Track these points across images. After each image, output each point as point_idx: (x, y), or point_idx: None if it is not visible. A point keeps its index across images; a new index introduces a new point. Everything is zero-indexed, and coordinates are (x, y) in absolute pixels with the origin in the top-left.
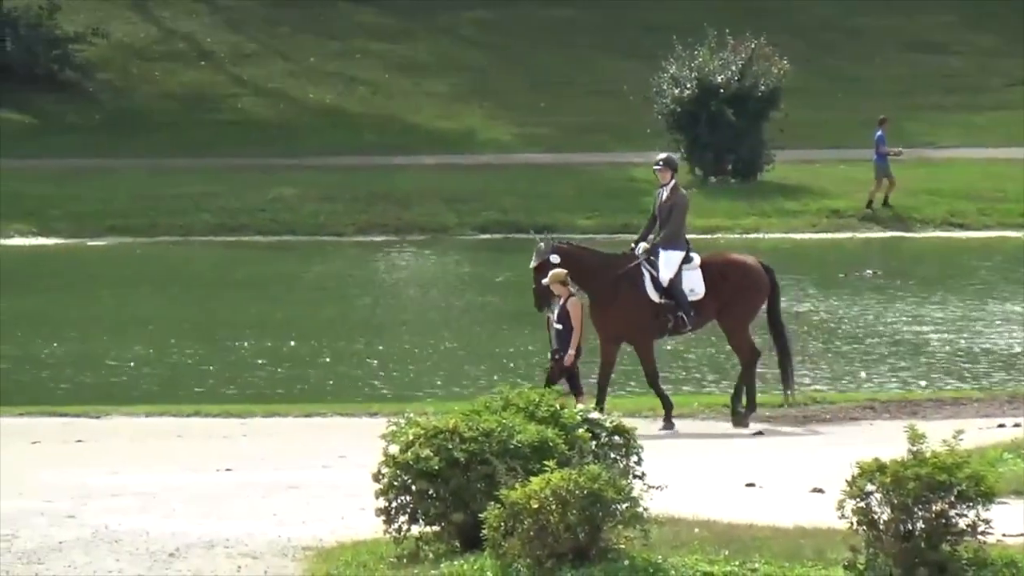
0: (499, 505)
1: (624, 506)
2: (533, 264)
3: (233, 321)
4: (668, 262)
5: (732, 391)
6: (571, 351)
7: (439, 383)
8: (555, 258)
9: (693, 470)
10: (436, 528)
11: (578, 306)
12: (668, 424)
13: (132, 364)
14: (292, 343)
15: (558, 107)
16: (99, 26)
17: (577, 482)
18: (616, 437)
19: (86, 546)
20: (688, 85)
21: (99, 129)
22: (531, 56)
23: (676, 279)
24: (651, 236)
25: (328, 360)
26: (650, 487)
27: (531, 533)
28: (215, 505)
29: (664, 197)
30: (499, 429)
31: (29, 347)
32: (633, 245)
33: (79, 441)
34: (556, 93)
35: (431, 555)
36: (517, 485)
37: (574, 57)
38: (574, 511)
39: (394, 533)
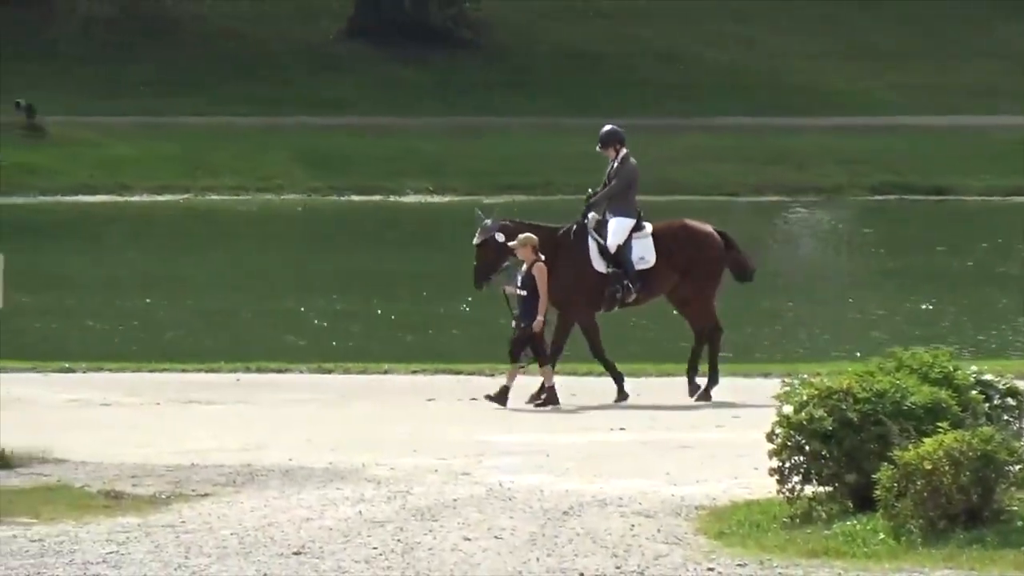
0: (892, 466)
1: (1017, 468)
2: (476, 241)
3: None
4: (616, 229)
5: (710, 364)
6: (539, 317)
7: (841, 344)
8: (500, 236)
9: None
10: (829, 488)
11: (544, 271)
12: (537, 399)
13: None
14: None
15: (953, 69)
16: None
17: (970, 443)
18: (1009, 399)
19: (480, 503)
20: None
21: (494, 87)
22: (926, 19)
23: (624, 247)
24: (598, 206)
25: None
26: None
27: (924, 494)
28: (608, 464)
29: (614, 168)
30: (892, 390)
31: (423, 305)
32: (583, 216)
33: (473, 399)
34: (951, 55)
35: (824, 515)
36: (910, 446)
37: (969, 20)
38: (967, 473)
39: (787, 493)
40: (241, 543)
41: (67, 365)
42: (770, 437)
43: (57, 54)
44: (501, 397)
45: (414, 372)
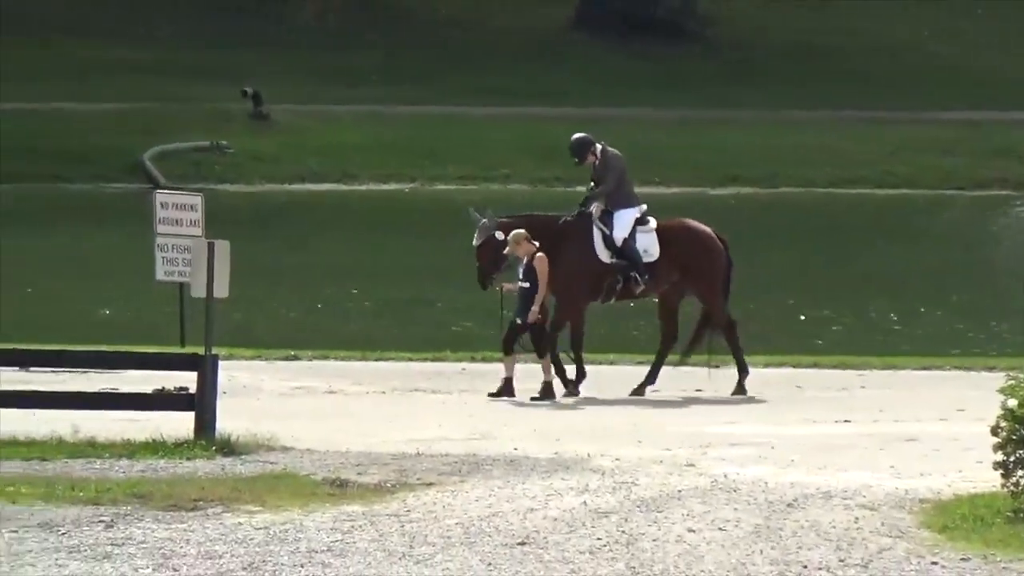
0: None
1: None
2: (476, 242)
3: (848, 272)
4: (621, 221)
5: (735, 358)
6: (534, 307)
7: None
8: (499, 234)
9: None
10: None
11: (545, 262)
12: (574, 390)
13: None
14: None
15: None
16: None
17: None
18: None
19: (704, 495)
20: None
21: (718, 79)
22: None
23: (630, 239)
24: (596, 200)
25: (937, 313)
26: None
27: None
28: (832, 456)
29: (598, 166)
30: None
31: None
32: (581, 207)
33: (698, 390)
34: None
35: None
36: None
37: None
38: None
39: (1012, 487)
40: (466, 533)
41: (292, 353)
42: (995, 431)
43: (284, 42)
44: (507, 390)
45: (639, 363)
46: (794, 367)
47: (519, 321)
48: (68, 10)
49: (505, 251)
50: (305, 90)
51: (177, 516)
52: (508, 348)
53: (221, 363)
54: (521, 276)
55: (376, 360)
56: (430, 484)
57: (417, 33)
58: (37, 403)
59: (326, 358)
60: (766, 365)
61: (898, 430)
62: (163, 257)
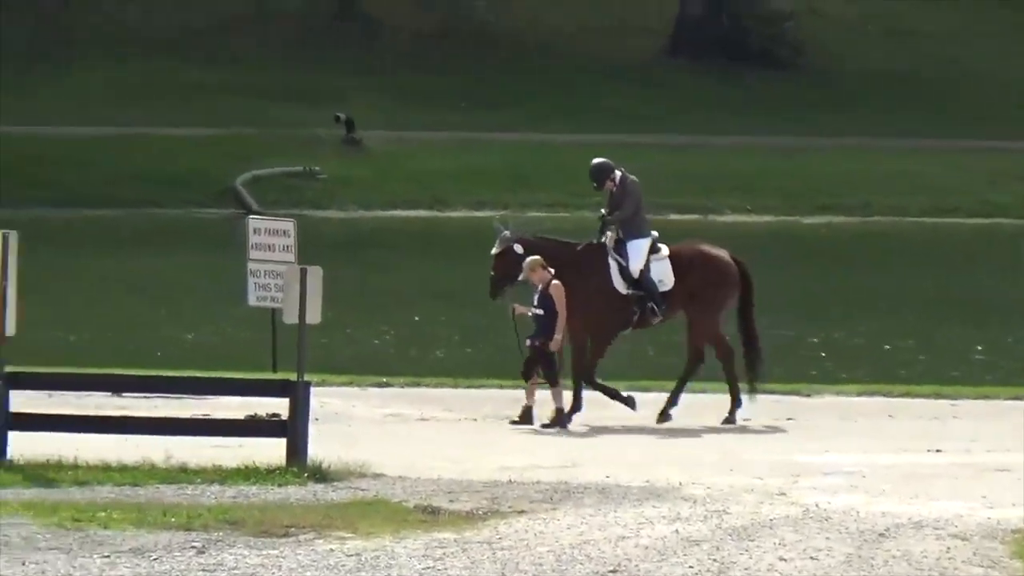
0: None
1: None
2: (496, 250)
3: (940, 301)
4: (636, 252)
5: (676, 385)
6: (557, 335)
7: None
8: (519, 247)
9: None
10: None
11: (561, 289)
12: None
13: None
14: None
15: None
16: (818, 4)
17: None
18: None
19: (795, 524)
20: None
21: (810, 107)
22: None
23: (645, 269)
24: (612, 226)
25: None
26: None
27: None
28: (924, 486)
29: (616, 192)
30: None
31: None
32: (599, 236)
33: (790, 419)
34: None
35: None
36: None
37: None
38: None
39: None
40: (557, 560)
41: (384, 379)
42: None
43: (376, 68)
44: (526, 418)
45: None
46: (886, 396)
47: (528, 343)
48: (159, 34)
49: (520, 276)
50: (397, 116)
51: (268, 542)
52: (527, 376)
53: (313, 389)
54: (536, 303)
55: (468, 387)
56: (522, 512)
57: (508, 59)
58: (130, 429)
59: (418, 385)
60: (859, 394)
61: (990, 460)
62: (255, 282)
